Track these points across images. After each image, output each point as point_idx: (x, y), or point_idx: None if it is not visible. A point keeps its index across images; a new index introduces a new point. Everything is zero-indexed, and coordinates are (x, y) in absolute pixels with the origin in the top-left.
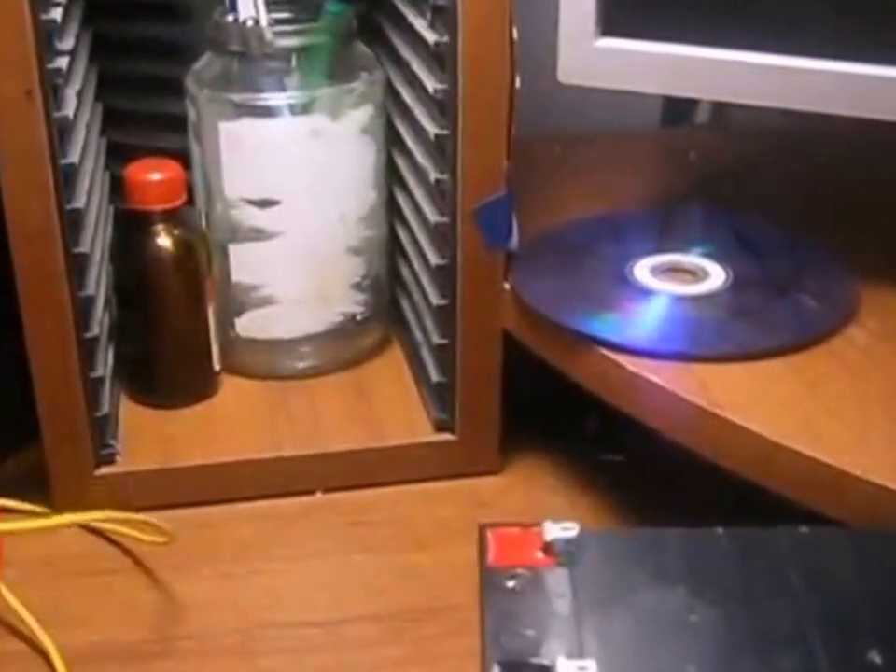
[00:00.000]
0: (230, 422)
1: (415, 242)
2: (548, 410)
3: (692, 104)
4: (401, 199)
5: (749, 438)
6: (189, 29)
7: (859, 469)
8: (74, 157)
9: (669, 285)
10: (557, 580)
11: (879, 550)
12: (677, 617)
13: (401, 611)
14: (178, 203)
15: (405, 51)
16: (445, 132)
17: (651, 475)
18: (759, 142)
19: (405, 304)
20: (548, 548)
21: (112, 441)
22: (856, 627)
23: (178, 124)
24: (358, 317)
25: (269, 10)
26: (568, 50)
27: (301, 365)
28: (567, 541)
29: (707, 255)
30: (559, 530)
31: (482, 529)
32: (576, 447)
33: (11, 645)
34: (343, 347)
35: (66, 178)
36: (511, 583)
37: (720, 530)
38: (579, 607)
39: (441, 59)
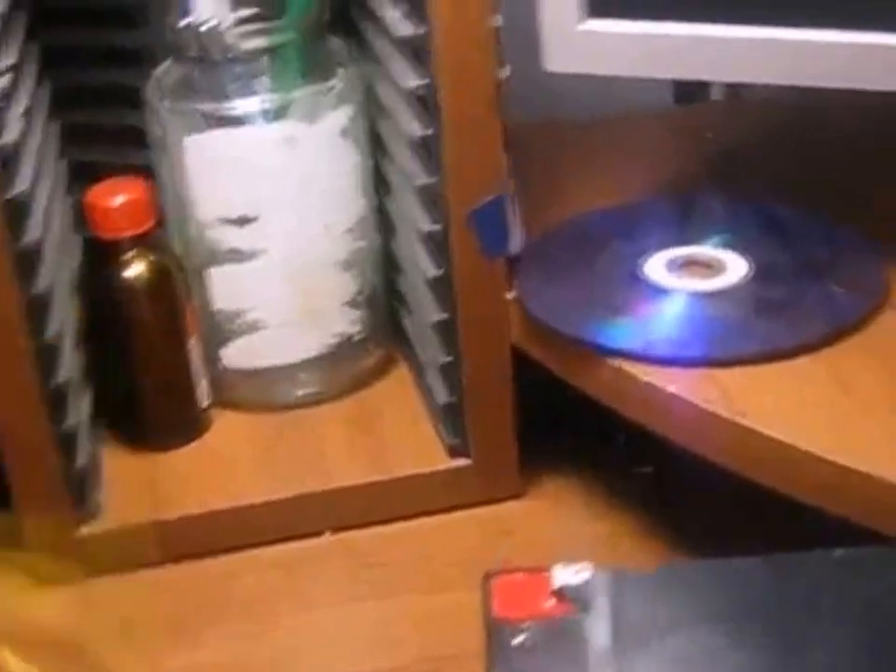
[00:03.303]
0: (224, 463)
1: (410, 252)
2: (570, 423)
3: None
4: (391, 206)
5: (776, 448)
6: (148, 34)
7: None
8: (23, 185)
9: (685, 281)
10: (571, 631)
11: None
12: (708, 662)
13: (423, 661)
14: (148, 226)
15: (381, 46)
16: (430, 132)
17: (684, 486)
18: (778, 118)
19: (406, 320)
20: (559, 594)
21: (94, 495)
22: None
23: (140, 138)
24: (356, 337)
25: (230, 8)
26: (552, 35)
27: (297, 394)
28: (580, 586)
29: (725, 244)
30: (570, 574)
31: (486, 578)
32: (603, 460)
33: None
34: (343, 371)
35: (16, 210)
36: (519, 639)
37: (745, 560)
38: (597, 661)
39: (418, 53)
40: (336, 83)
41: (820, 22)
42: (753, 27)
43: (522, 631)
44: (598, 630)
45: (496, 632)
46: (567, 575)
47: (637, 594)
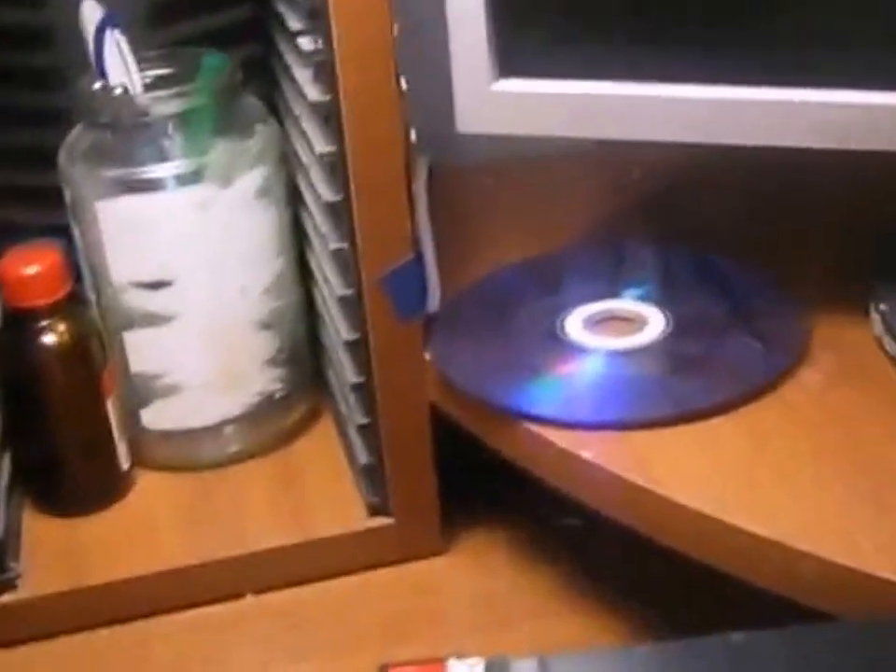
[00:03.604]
0: (144, 526)
1: (329, 311)
2: (492, 477)
3: None
4: (312, 262)
5: (690, 516)
6: (65, 96)
7: (807, 545)
8: None
9: (603, 339)
10: None
11: (814, 652)
12: None
13: None
14: (63, 292)
15: (297, 105)
16: (339, 197)
17: (610, 538)
18: (709, 159)
19: (331, 375)
20: None
21: (12, 564)
22: None
23: (55, 199)
24: (277, 395)
25: (141, 71)
26: (464, 96)
27: (219, 453)
28: None
29: (644, 297)
30: (463, 669)
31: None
32: (527, 514)
33: None
34: (265, 429)
35: None
36: None
37: (641, 649)
38: None
39: (327, 118)
40: (253, 143)
41: (731, 80)
42: (665, 85)
43: None
44: None
45: None
46: (460, 669)
47: None
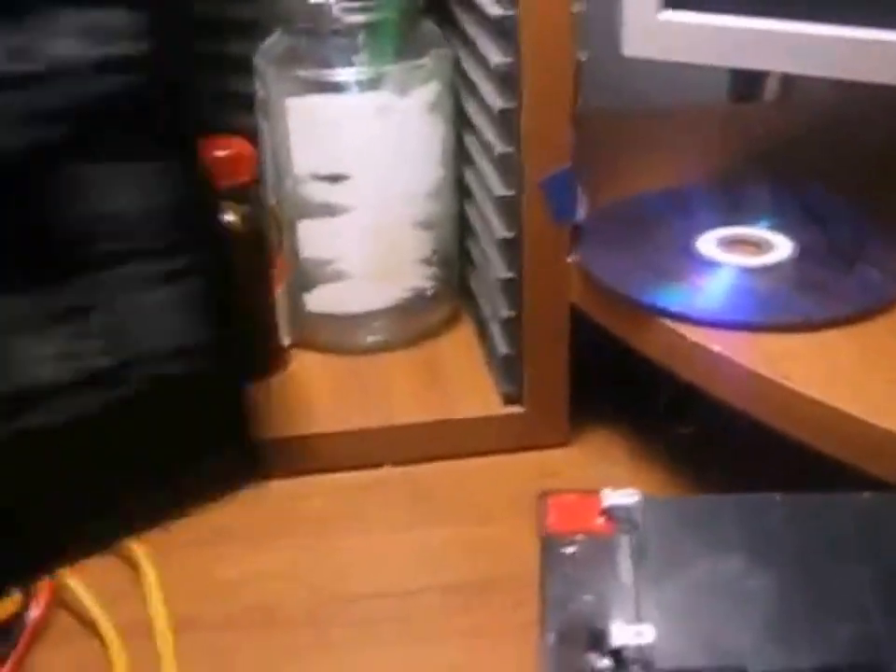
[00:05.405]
0: (300, 395)
1: (483, 217)
2: (620, 381)
3: (760, 78)
4: (469, 176)
5: (815, 408)
6: (261, 7)
7: None
8: None
9: (734, 257)
10: (616, 546)
11: None
12: (734, 584)
13: (470, 583)
14: (246, 178)
15: (471, 28)
16: (510, 105)
17: (722, 447)
18: (827, 117)
19: (474, 280)
20: (607, 514)
21: None
22: None
23: (246, 103)
24: (428, 292)
25: None
26: (632, 23)
27: (370, 340)
28: (627, 508)
29: (772, 227)
30: (619, 497)
31: (541, 497)
32: (647, 419)
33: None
34: (413, 322)
35: None
36: (570, 549)
37: (777, 497)
38: (637, 573)
39: (505, 33)
40: (426, 61)
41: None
42: (820, 25)
43: (573, 543)
44: (640, 549)
45: (549, 542)
46: (615, 497)
47: (679, 519)
